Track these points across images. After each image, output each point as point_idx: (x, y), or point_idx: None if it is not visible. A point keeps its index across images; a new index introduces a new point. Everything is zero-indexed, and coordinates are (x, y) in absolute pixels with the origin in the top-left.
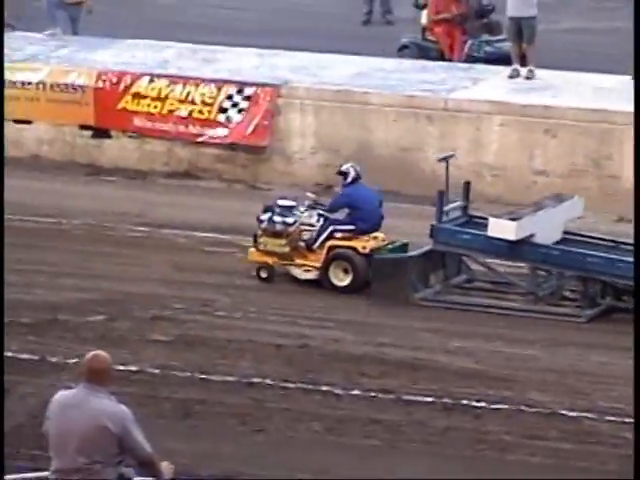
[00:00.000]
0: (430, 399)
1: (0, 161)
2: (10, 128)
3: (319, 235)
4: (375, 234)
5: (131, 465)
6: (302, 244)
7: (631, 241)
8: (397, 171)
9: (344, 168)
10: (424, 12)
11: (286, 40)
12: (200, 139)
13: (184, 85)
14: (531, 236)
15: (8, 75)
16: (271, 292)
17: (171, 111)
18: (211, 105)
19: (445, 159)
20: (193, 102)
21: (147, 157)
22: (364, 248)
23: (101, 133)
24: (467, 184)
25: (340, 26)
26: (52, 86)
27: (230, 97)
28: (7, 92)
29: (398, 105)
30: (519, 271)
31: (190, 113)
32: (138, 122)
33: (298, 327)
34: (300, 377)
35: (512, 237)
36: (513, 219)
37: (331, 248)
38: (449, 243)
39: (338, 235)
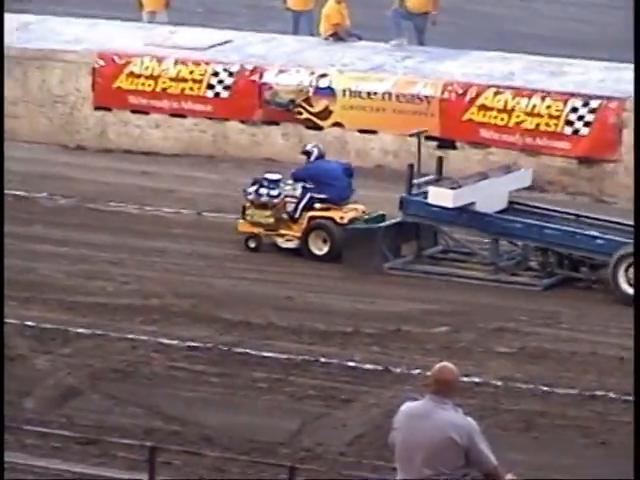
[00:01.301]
0: None
1: (0, 158)
2: (356, 138)
3: (298, 204)
4: (355, 205)
5: (475, 477)
6: (285, 216)
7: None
8: None
9: (308, 148)
10: None
11: (630, 53)
12: (546, 152)
13: (530, 98)
14: (471, 204)
15: (354, 85)
16: (611, 305)
17: (517, 123)
18: (557, 118)
19: (417, 135)
20: (539, 115)
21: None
22: (342, 218)
23: (446, 144)
24: (440, 159)
25: None
26: (398, 96)
27: (575, 110)
28: (353, 102)
29: None
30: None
31: (537, 126)
32: (484, 133)
33: None
34: None
35: (450, 205)
36: (453, 188)
37: (311, 218)
38: (418, 215)
39: (317, 206)
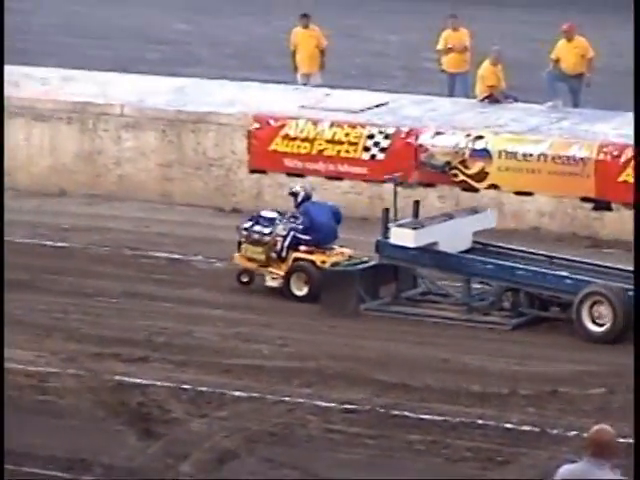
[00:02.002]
0: None
1: (0, 163)
2: (512, 199)
3: (284, 242)
4: (342, 249)
5: None
6: (274, 254)
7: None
8: None
9: (295, 189)
10: None
11: None
12: None
13: None
14: (434, 244)
15: (510, 147)
16: None
17: None
18: None
19: (393, 180)
20: None
21: None
22: (323, 262)
23: (602, 205)
24: (416, 203)
25: None
26: (553, 158)
27: None
28: (509, 164)
29: None
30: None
31: None
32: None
33: None
34: None
35: (411, 244)
36: (415, 228)
37: (295, 259)
38: (393, 257)
39: (303, 248)
